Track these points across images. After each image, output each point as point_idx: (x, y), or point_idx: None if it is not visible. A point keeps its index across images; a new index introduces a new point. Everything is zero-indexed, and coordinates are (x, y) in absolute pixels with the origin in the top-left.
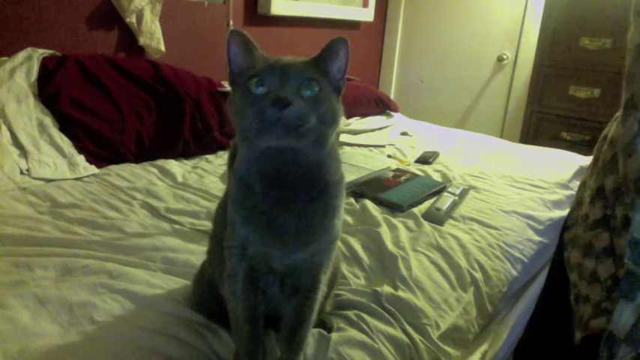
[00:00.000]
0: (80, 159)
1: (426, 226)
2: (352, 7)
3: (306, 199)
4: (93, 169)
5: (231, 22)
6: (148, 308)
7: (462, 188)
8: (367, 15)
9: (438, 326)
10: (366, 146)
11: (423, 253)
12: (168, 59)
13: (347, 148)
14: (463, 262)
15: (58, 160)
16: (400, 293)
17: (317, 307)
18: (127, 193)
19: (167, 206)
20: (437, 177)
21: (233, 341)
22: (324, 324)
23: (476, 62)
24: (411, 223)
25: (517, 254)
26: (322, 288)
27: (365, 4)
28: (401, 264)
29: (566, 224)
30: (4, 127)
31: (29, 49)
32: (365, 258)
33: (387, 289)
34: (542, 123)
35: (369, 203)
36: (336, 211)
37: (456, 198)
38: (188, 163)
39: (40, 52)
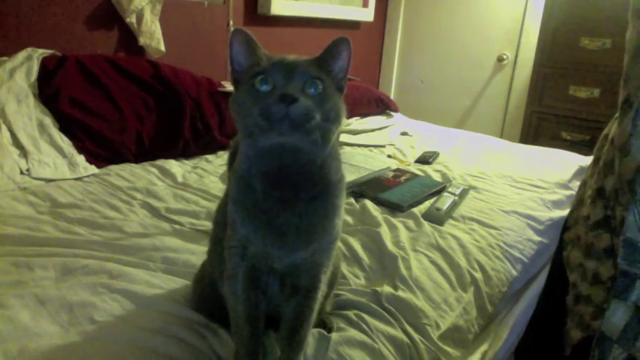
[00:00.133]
0: (80, 159)
1: (426, 226)
2: (352, 7)
3: (307, 199)
4: (93, 169)
5: (231, 22)
6: (147, 308)
7: (462, 188)
8: (367, 15)
9: (438, 326)
10: (366, 146)
11: (423, 253)
12: (168, 59)
13: (347, 148)
14: (463, 262)
15: (58, 160)
16: (400, 293)
17: (317, 306)
18: (127, 193)
19: (167, 206)
20: (437, 177)
21: (233, 341)
22: (324, 324)
23: (476, 62)
24: (411, 223)
25: (517, 254)
26: (322, 288)
27: (365, 4)
28: (401, 264)
29: (566, 224)
30: (4, 127)
31: (29, 49)
32: (365, 258)
33: (387, 289)
34: (542, 123)
35: (369, 203)
36: (337, 210)
37: (456, 198)
38: (188, 163)
39: (40, 52)
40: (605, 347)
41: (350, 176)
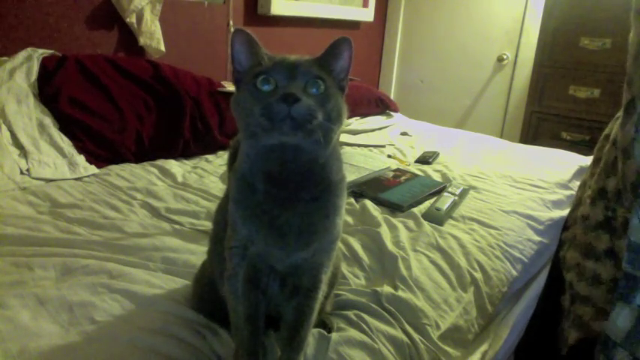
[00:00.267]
0: (80, 159)
1: (426, 226)
2: (352, 7)
3: (308, 199)
4: (93, 169)
5: (231, 22)
6: (147, 308)
7: (462, 188)
8: (367, 15)
9: (438, 326)
10: (366, 146)
11: (423, 253)
12: (168, 59)
13: (347, 148)
14: (463, 262)
15: (58, 160)
16: (400, 293)
17: (317, 307)
18: (127, 193)
19: (167, 206)
20: (437, 177)
21: (233, 341)
22: (324, 324)
23: (476, 62)
24: (411, 223)
25: (517, 254)
26: (323, 288)
27: (365, 4)
28: (401, 264)
29: (566, 224)
30: (4, 127)
31: (29, 49)
32: (365, 258)
33: (387, 289)
34: (542, 123)
35: (369, 203)
36: (338, 210)
37: (456, 198)
38: (188, 163)
39: (40, 52)
40: (610, 350)
41: (350, 176)
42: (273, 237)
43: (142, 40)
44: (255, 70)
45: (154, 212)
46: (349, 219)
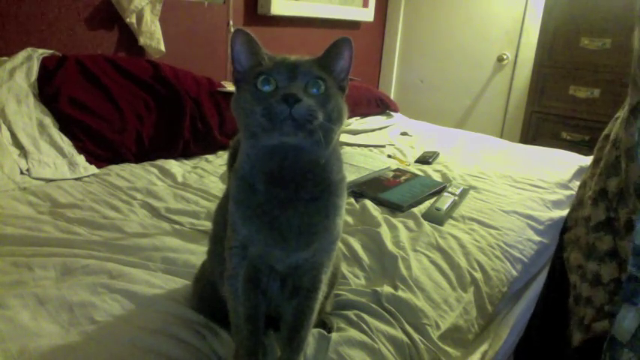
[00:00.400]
0: (80, 159)
1: (426, 226)
2: (352, 7)
3: (308, 199)
4: (93, 169)
5: (231, 22)
6: (147, 308)
7: (462, 188)
8: (367, 15)
9: (438, 326)
10: (366, 146)
11: (423, 253)
12: (168, 59)
13: (347, 148)
14: (463, 262)
15: (58, 160)
16: (400, 293)
17: (317, 307)
18: (127, 193)
19: (167, 206)
20: (437, 177)
21: (233, 341)
22: (324, 324)
23: (476, 62)
24: (411, 223)
25: (517, 254)
26: (323, 288)
27: (365, 4)
28: (401, 264)
29: (566, 225)
30: (4, 127)
31: (29, 49)
32: (365, 258)
33: (387, 289)
34: (542, 123)
35: (369, 203)
36: (338, 210)
37: (456, 198)
38: (188, 163)
39: (40, 52)
40: (616, 351)
41: (350, 176)
42: (273, 237)
43: (142, 40)
44: (256, 71)
45: (154, 212)
46: (349, 219)
